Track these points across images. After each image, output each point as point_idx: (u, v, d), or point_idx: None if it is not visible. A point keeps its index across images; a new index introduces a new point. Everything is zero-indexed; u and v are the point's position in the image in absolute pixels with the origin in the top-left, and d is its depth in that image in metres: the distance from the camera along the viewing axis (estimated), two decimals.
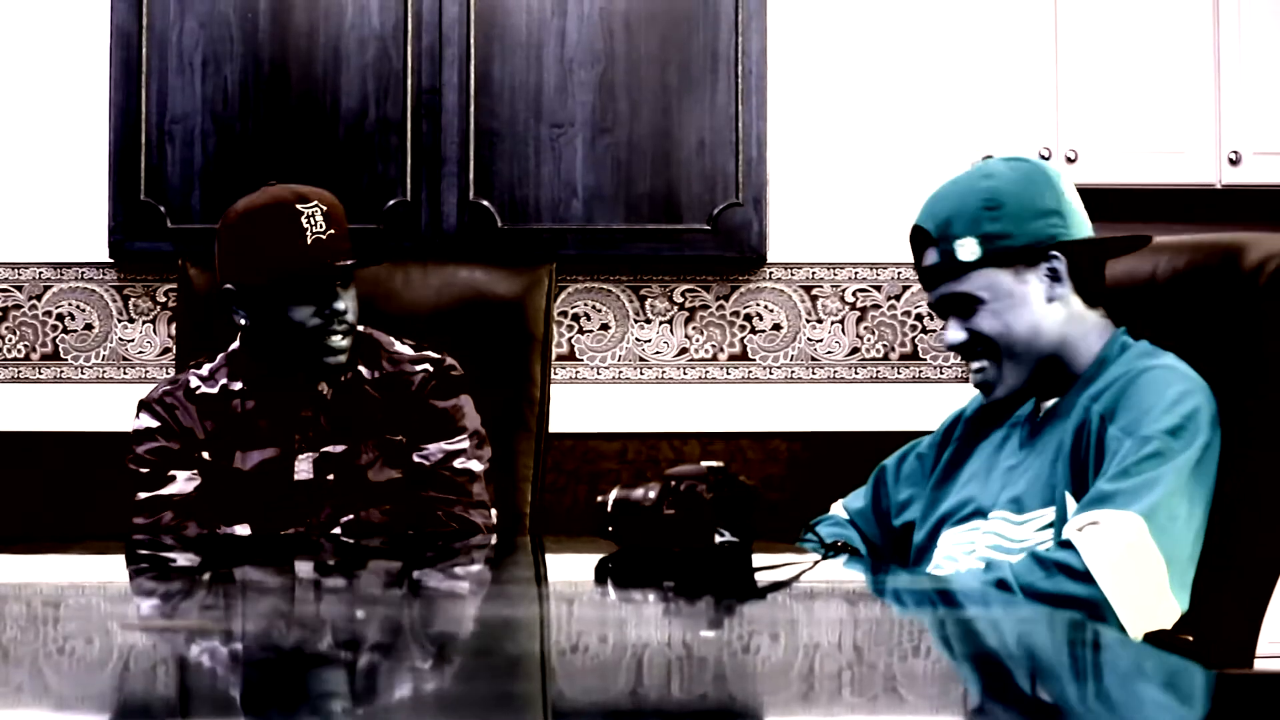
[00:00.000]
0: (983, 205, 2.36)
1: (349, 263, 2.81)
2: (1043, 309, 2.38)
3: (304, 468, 2.86)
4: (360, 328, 2.95)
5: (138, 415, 2.95)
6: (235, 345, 2.96)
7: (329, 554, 2.66)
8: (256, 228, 2.84)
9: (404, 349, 2.96)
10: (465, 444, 2.92)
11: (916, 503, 2.59)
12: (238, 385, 2.91)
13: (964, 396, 4.51)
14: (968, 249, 2.37)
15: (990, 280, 2.38)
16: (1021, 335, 2.39)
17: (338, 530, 2.83)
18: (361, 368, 2.91)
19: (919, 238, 2.43)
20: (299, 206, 2.81)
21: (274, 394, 2.90)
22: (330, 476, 2.86)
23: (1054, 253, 2.37)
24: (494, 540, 2.89)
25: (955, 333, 2.43)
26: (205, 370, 2.96)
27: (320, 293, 2.83)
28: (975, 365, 2.44)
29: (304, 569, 2.51)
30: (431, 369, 2.93)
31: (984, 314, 2.40)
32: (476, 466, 2.92)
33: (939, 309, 2.45)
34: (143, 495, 2.89)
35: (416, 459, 2.89)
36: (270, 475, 2.86)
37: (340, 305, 2.83)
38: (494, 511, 2.95)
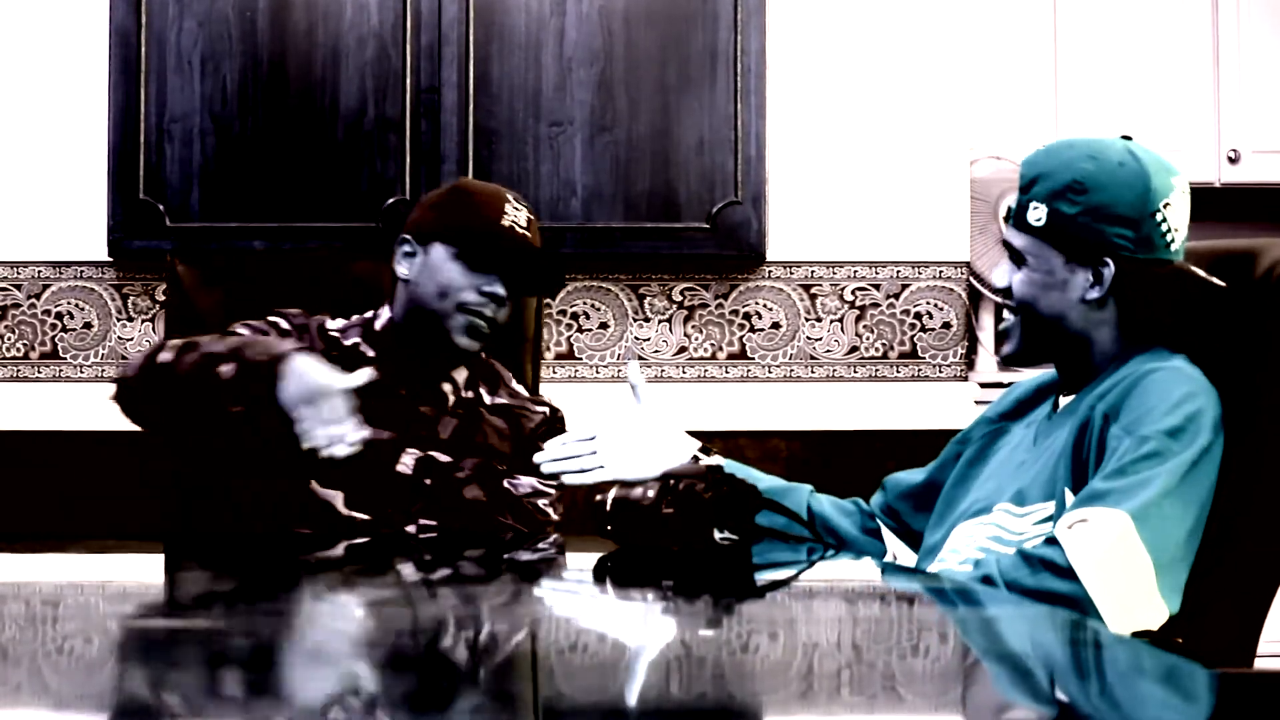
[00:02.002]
0: (1070, 182, 2.35)
1: (531, 252, 2.88)
2: (1074, 304, 2.38)
3: (407, 461, 2.86)
4: (482, 354, 2.98)
5: (249, 322, 2.89)
6: (371, 315, 2.95)
7: (337, 552, 2.66)
8: (470, 189, 2.97)
9: (521, 388, 3.05)
10: (552, 491, 2.97)
11: (929, 491, 2.61)
12: (370, 353, 2.91)
13: (961, 396, 4.51)
14: (1037, 214, 2.38)
15: (1042, 251, 2.39)
16: (1044, 315, 2.39)
17: (413, 529, 2.84)
18: (483, 391, 2.95)
19: (1020, 173, 2.45)
20: (509, 196, 2.94)
21: (402, 379, 2.89)
22: (427, 480, 2.85)
23: (1106, 260, 2.35)
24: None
25: (1000, 277, 2.45)
26: (337, 324, 2.95)
27: (491, 263, 2.87)
28: (1006, 314, 2.46)
29: (310, 568, 2.51)
30: (548, 414, 3.03)
31: (1024, 276, 2.41)
32: (554, 515, 2.97)
33: (1004, 245, 2.46)
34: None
35: (506, 484, 2.92)
36: (377, 455, 2.84)
37: (500, 291, 2.87)
38: None
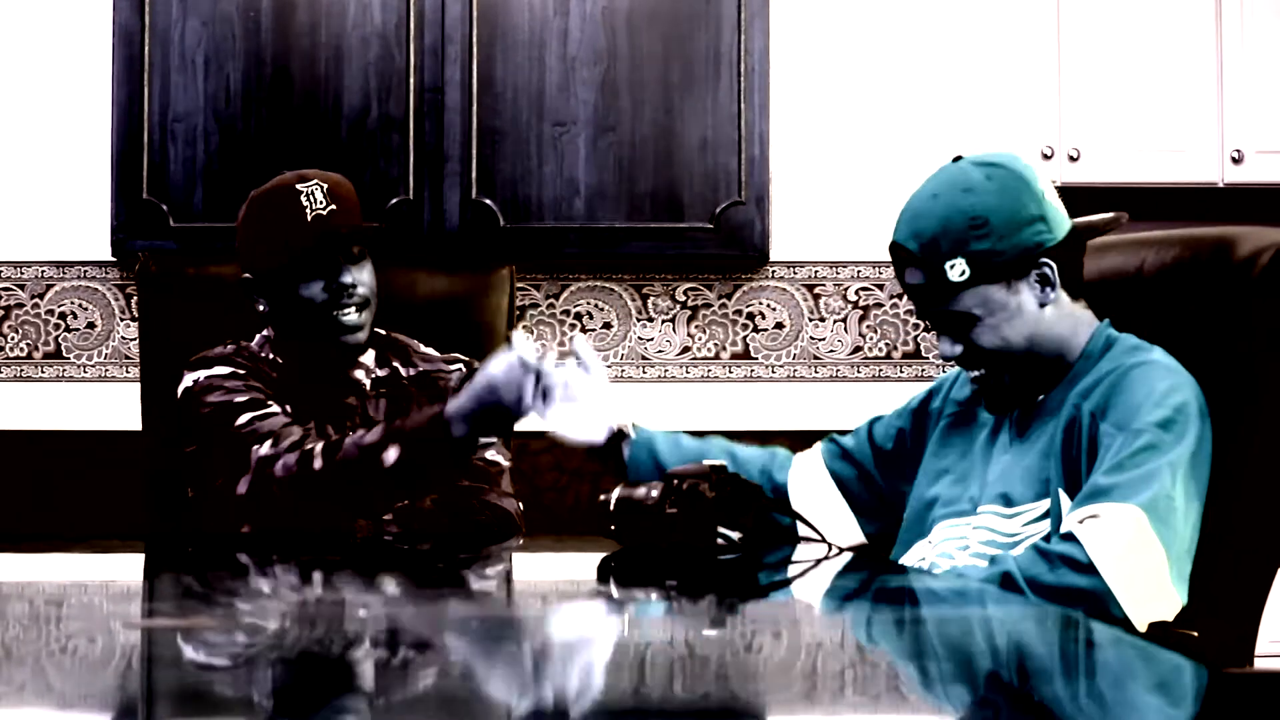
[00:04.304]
0: (968, 224, 2.34)
1: (345, 231, 2.82)
2: (1036, 316, 2.38)
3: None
4: (382, 331, 2.97)
5: (193, 371, 2.86)
6: (268, 332, 2.94)
7: (340, 552, 2.66)
8: (263, 212, 2.89)
9: (432, 351, 3.02)
10: (493, 439, 2.96)
11: (904, 468, 2.61)
12: (280, 360, 2.90)
13: None
14: (957, 269, 2.35)
15: (983, 297, 2.37)
16: (1020, 345, 2.38)
17: (389, 516, 2.83)
18: (396, 364, 2.95)
19: (900, 255, 2.40)
20: (298, 186, 2.85)
21: (317, 381, 2.89)
22: None
23: (1043, 259, 2.36)
24: (523, 530, 2.93)
25: (950, 347, 2.42)
26: (254, 341, 2.94)
27: (326, 267, 2.84)
28: (974, 374, 2.43)
29: (311, 567, 2.51)
30: (465, 370, 2.99)
31: (981, 330, 2.38)
32: (503, 461, 2.98)
33: (931, 324, 2.44)
34: (244, 421, 2.78)
35: None
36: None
37: (347, 279, 2.85)
38: (520, 504, 2.99)
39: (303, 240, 2.82)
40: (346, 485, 2.68)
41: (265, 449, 2.73)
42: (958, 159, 2.42)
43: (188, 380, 2.86)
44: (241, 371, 2.86)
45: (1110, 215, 2.45)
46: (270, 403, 2.82)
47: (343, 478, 2.67)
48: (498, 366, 2.63)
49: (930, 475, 2.53)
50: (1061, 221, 2.39)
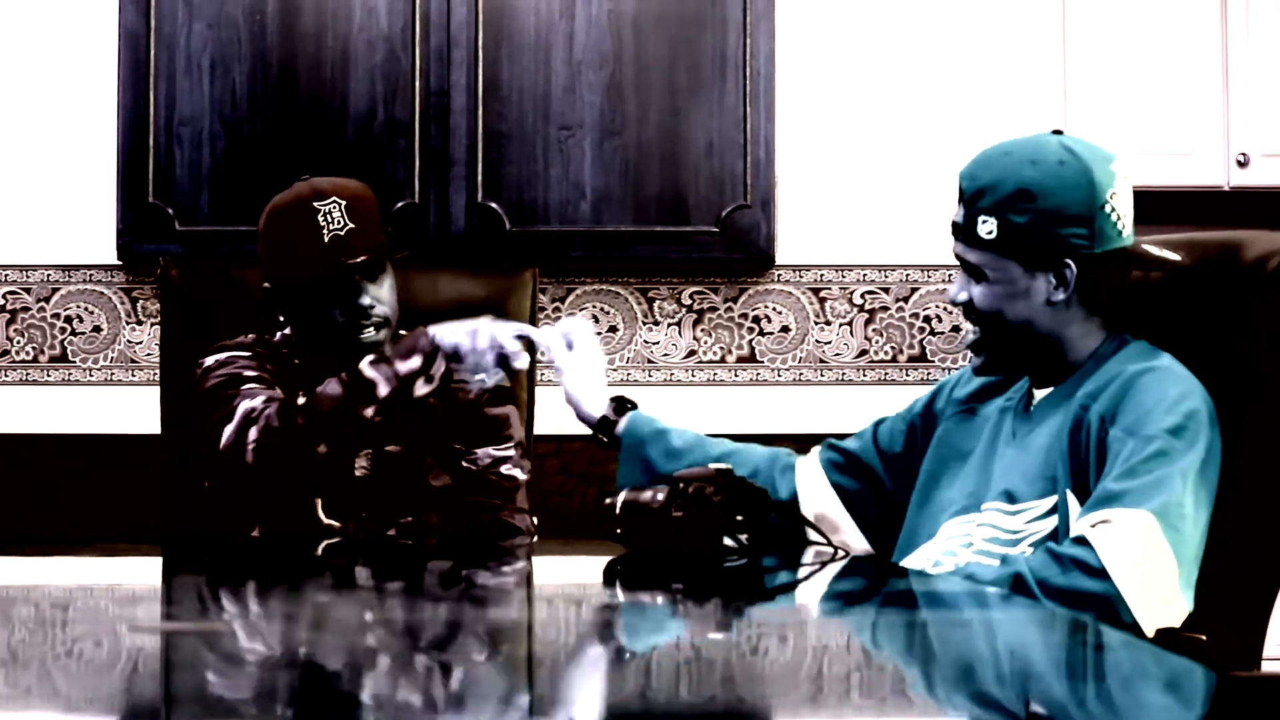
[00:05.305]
0: (1015, 192, 2.34)
1: (362, 259, 2.77)
2: (1040, 308, 2.38)
3: (361, 463, 2.83)
4: (404, 332, 2.95)
5: (212, 354, 2.84)
6: (289, 332, 2.92)
7: (347, 555, 2.66)
8: (280, 228, 2.84)
9: None
10: (512, 452, 2.95)
11: (902, 469, 2.60)
12: (296, 360, 2.87)
13: None
14: (987, 227, 2.37)
15: (999, 263, 2.38)
16: (1012, 324, 2.40)
17: (393, 532, 2.82)
18: None
19: (959, 185, 2.43)
20: (315, 204, 2.79)
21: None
22: (388, 478, 2.83)
23: (1067, 261, 2.35)
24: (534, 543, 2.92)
25: (958, 291, 2.44)
26: (275, 338, 2.92)
27: (344, 291, 2.80)
28: (969, 326, 2.46)
29: (318, 571, 2.51)
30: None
31: (985, 289, 2.40)
32: (520, 475, 2.96)
33: (958, 259, 2.45)
34: (246, 389, 2.77)
35: (464, 464, 2.91)
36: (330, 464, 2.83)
37: (365, 301, 2.79)
38: (534, 519, 2.97)
39: (320, 265, 2.78)
40: (332, 410, 2.69)
41: (255, 403, 2.72)
42: (1057, 132, 2.42)
43: (207, 361, 2.84)
44: (257, 358, 2.84)
45: (1171, 257, 2.43)
46: (275, 388, 2.80)
47: (325, 406, 2.70)
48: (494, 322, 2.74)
49: (933, 476, 2.53)
50: (1111, 237, 2.36)
